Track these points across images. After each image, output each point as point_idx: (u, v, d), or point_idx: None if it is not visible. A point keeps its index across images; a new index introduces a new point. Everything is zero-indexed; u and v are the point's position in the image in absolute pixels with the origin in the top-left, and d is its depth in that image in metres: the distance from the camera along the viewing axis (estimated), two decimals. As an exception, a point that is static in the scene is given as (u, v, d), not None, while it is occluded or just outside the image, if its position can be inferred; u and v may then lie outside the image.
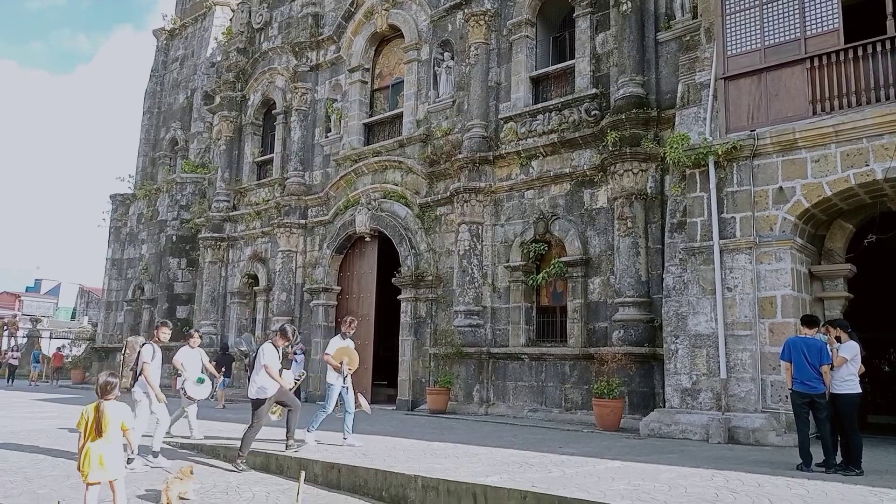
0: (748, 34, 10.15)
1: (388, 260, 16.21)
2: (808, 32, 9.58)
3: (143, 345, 8.43)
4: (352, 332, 9.26)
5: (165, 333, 8.74)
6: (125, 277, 24.81)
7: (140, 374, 8.13)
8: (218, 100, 21.63)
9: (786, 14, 9.81)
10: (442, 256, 15.02)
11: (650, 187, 11.87)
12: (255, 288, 19.48)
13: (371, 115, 17.72)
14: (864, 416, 12.24)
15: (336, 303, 17.24)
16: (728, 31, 10.33)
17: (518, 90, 14.32)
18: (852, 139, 8.99)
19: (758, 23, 10.06)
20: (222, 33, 23.51)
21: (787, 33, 9.77)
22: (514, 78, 14.44)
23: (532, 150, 13.63)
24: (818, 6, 9.52)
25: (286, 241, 18.18)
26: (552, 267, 12.98)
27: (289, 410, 8.29)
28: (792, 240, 9.48)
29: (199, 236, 20.93)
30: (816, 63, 9.43)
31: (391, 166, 16.30)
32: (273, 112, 20.28)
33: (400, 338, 15.27)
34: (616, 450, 8.36)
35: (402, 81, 16.78)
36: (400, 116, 16.59)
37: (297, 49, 19.08)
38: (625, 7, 12.39)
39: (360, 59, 17.72)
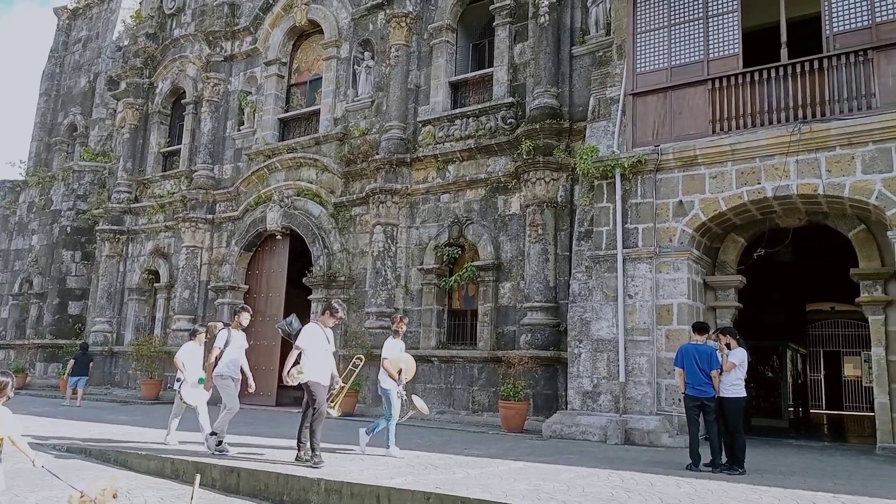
0: (656, 53, 10.64)
1: (300, 259, 15.88)
2: (711, 55, 10.15)
3: (221, 330, 8.18)
4: (403, 329, 8.46)
5: (246, 318, 8.41)
6: (12, 270, 23.05)
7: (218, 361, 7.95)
8: (123, 86, 20.52)
9: (691, 37, 10.36)
10: (355, 257, 14.86)
11: (561, 196, 12.21)
12: (155, 285, 18.58)
13: (287, 111, 17.33)
14: (748, 419, 13.07)
15: (243, 302, 16.68)
16: (638, 49, 10.79)
17: (437, 94, 14.40)
18: (747, 158, 9.58)
19: (666, 43, 10.56)
20: (131, 16, 22.33)
21: (692, 55, 10.31)
22: (433, 82, 14.51)
23: (449, 154, 13.73)
24: (721, 31, 10.10)
25: (191, 236, 17.46)
26: (465, 271, 13.12)
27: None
28: (689, 251, 9.99)
29: (97, 228, 19.75)
30: (717, 85, 10.00)
31: (306, 164, 15.99)
32: (183, 101, 19.44)
33: (309, 339, 14.95)
34: (519, 451, 8.51)
35: (321, 78, 16.51)
36: (317, 113, 16.31)
37: (211, 38, 18.40)
38: (542, 20, 12.71)
39: (278, 52, 17.30)
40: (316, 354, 7.15)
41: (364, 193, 14.54)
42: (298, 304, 16.03)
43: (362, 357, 9.97)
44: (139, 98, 20.11)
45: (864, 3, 9.00)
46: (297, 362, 7.10)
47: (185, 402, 8.75)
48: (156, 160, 19.71)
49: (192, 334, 9.26)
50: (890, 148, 8.59)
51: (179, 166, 18.85)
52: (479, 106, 13.67)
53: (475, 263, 13.07)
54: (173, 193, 18.55)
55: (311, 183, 15.82)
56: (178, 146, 19.21)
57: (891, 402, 9.10)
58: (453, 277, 13.36)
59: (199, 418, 8.67)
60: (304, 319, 15.13)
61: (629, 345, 10.01)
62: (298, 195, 15.90)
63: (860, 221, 9.75)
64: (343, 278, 14.68)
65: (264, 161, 16.68)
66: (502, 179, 13.06)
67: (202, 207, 17.52)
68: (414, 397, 8.61)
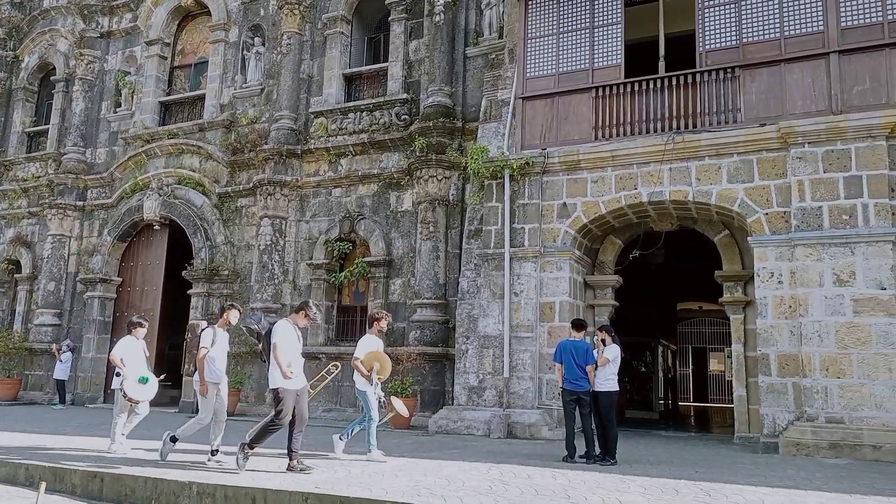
0: (546, 60, 10.96)
1: (181, 251, 15.08)
2: (596, 65, 10.58)
3: (204, 329, 7.29)
4: (384, 327, 7.97)
5: (235, 316, 7.58)
6: None
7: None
8: (-18, 56, 18.64)
9: (578, 45, 10.75)
10: (241, 250, 14.31)
11: (452, 194, 12.33)
12: (16, 275, 17.03)
13: (169, 94, 16.38)
14: (622, 412, 13.79)
15: (115, 295, 15.67)
16: (528, 54, 11.08)
17: (331, 86, 14.12)
18: (626, 164, 10.07)
19: (554, 50, 10.91)
20: (-8, -20, 20.32)
21: (578, 63, 10.70)
22: (326, 73, 14.21)
23: (342, 147, 13.51)
24: (605, 42, 10.55)
25: (59, 224, 16.15)
26: (355, 266, 12.97)
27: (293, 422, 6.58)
28: (571, 251, 10.39)
29: (-53, 212, 17.86)
30: (601, 93, 10.44)
31: (189, 151, 15.21)
32: (52, 79, 17.90)
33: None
34: (404, 447, 8.52)
35: (207, 62, 15.74)
36: (202, 98, 15.54)
37: (86, 12, 17.07)
38: (437, 18, 12.77)
39: (161, 32, 16.32)
40: (290, 357, 6.52)
41: (251, 184, 14.02)
42: (177, 299, 15.28)
43: (338, 365, 9.35)
44: (2, 72, 18.35)
45: (733, 24, 9.70)
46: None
47: (129, 400, 7.77)
48: (20, 140, 18.06)
49: (131, 327, 8.24)
50: (752, 160, 9.31)
51: (47, 148, 17.38)
52: (374, 100, 13.54)
53: (366, 259, 12.95)
54: (39, 177, 17.07)
55: (194, 171, 15.06)
56: (46, 126, 17.71)
57: (748, 395, 9.89)
58: (344, 273, 13.17)
59: (132, 419, 7.93)
60: (183, 317, 14.56)
61: (514, 341, 10.27)
62: (179, 183, 15.10)
63: (725, 227, 10.51)
64: (227, 272, 14.09)
65: (143, 146, 15.70)
66: (395, 175, 13.01)
67: (72, 193, 16.24)
68: (393, 398, 8.11)
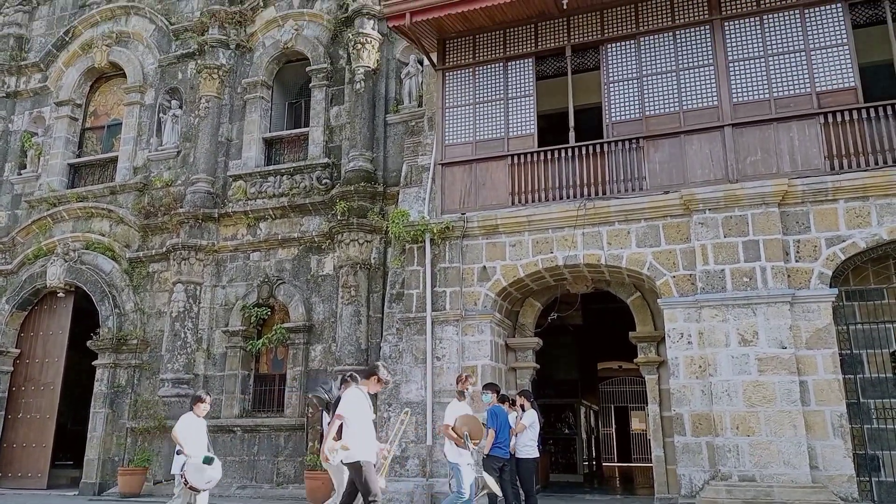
0: (463, 128, 11.27)
1: (86, 320, 14.26)
2: (511, 133, 10.95)
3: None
4: (470, 389, 7.65)
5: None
6: None
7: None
8: None
9: (494, 115, 11.12)
10: (151, 318, 13.67)
11: (374, 258, 12.29)
12: None
13: (79, 156, 15.80)
14: (546, 475, 13.73)
15: (12, 368, 14.54)
16: (447, 122, 11.37)
17: (250, 149, 14.00)
18: (542, 229, 10.34)
19: (472, 119, 11.24)
20: None
21: (494, 132, 11.05)
22: (246, 136, 14.10)
23: (261, 211, 13.32)
24: (519, 112, 10.95)
25: (-50, 292, 15.02)
26: (274, 333, 12.60)
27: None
28: (492, 314, 10.47)
29: None
30: (516, 161, 10.77)
31: (99, 214, 14.60)
32: (-50, 138, 16.98)
33: (92, 410, 13.34)
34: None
35: (121, 123, 15.35)
36: (115, 160, 15.04)
37: (-9, 71, 16.43)
38: (358, 86, 13.00)
39: (72, 93, 15.84)
40: (363, 427, 5.99)
41: (164, 249, 13.53)
42: (81, 372, 14.38)
43: (408, 411, 8.73)
44: None
45: (636, 98, 10.31)
46: (339, 435, 5.94)
47: (191, 489, 7.07)
48: None
49: (192, 402, 7.58)
50: (658, 225, 9.75)
51: (-60, 211, 16.29)
52: (295, 164, 13.49)
53: (285, 325, 12.62)
54: (-71, 242, 15.91)
55: (104, 235, 14.44)
56: (-59, 188, 16.64)
57: (665, 455, 10.07)
58: (261, 340, 12.77)
59: None
60: (87, 390, 13.65)
61: (436, 407, 10.13)
62: (87, 248, 14.40)
63: (637, 289, 10.89)
64: (135, 341, 13.39)
65: (48, 209, 14.97)
66: (316, 239, 12.88)
67: (-34, 259, 15.20)
68: (484, 474, 7.55)
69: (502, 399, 8.51)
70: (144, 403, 12.94)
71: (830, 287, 8.84)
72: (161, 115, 14.92)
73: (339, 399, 6.13)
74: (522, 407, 7.73)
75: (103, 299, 13.74)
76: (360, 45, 13.07)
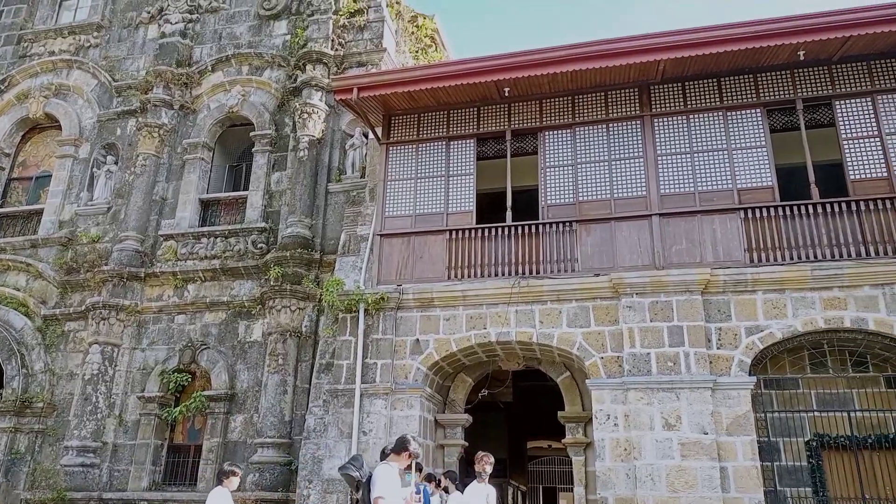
0: (404, 201, 11.42)
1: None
2: (450, 209, 11.14)
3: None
4: (489, 469, 7.36)
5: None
6: None
7: None
8: None
9: (434, 191, 11.33)
10: (62, 380, 12.84)
11: (306, 326, 12.03)
12: None
13: (2, 206, 15.12)
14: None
15: None
16: (388, 194, 11.50)
17: (185, 209, 13.72)
18: (476, 304, 10.41)
19: (412, 193, 11.41)
20: None
21: (434, 206, 11.23)
22: (182, 196, 13.85)
23: (191, 272, 12.94)
24: (459, 189, 11.19)
25: None
26: (192, 400, 12.02)
27: None
28: (423, 389, 10.32)
29: None
30: (454, 236, 10.91)
31: (16, 268, 13.86)
32: None
33: (-17, 478, 12.25)
34: None
35: (50, 176, 14.85)
36: (39, 213, 14.45)
37: (-86, 112, 15.75)
38: (301, 154, 13.07)
39: (2, 142, 15.29)
40: None
41: (84, 307, 12.90)
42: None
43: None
44: None
45: (570, 183, 10.73)
46: None
47: None
48: None
49: (223, 476, 7.50)
50: (588, 306, 9.98)
51: None
52: (230, 227, 13.27)
53: (206, 393, 12.07)
54: None
55: (19, 290, 13.67)
56: None
57: (590, 540, 9.93)
58: (179, 408, 12.13)
59: None
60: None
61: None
62: (0, 303, 13.58)
63: (567, 368, 10.99)
64: (41, 404, 12.50)
65: (-39, 259, 14.13)
66: (246, 304, 12.55)
67: None
68: None
69: (429, 478, 8.33)
70: (44, 472, 11.97)
71: (750, 375, 9.15)
72: (95, 169, 14.54)
73: (369, 477, 5.68)
74: (446, 489, 7.52)
75: (10, 357, 12.87)
76: (306, 115, 13.23)
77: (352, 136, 13.44)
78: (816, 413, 9.52)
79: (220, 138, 14.52)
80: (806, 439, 9.47)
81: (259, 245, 12.92)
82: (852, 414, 9.33)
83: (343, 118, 13.62)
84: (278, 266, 12.13)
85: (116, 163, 14.52)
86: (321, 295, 11.60)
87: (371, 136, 12.28)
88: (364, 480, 5.65)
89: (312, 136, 13.20)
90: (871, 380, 9.69)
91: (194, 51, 15.00)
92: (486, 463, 7.54)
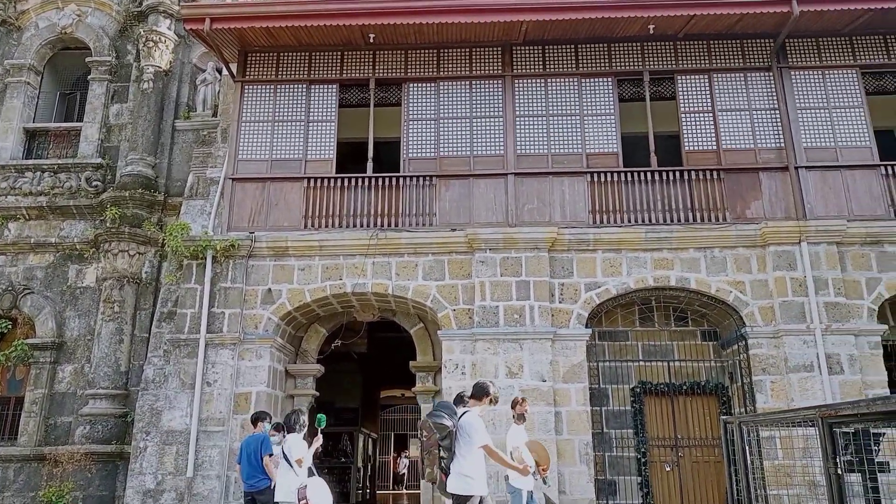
0: (259, 144, 10.88)
1: None
2: (309, 156, 10.79)
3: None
4: (527, 411, 7.57)
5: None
6: None
7: None
8: None
9: (293, 135, 10.89)
10: None
11: (146, 272, 11.28)
12: None
13: None
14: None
15: None
16: (242, 136, 10.91)
17: (6, 139, 12.21)
18: (333, 255, 10.25)
19: (269, 137, 10.90)
20: None
21: (292, 152, 10.81)
22: (4, 125, 12.30)
23: (13, 209, 11.63)
24: (319, 136, 10.85)
25: None
26: (13, 349, 10.95)
27: None
28: (273, 339, 10.09)
29: None
30: (312, 184, 10.61)
31: None
32: None
33: None
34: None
35: None
36: None
37: None
38: (146, 86, 12.01)
39: None
40: (481, 456, 5.49)
41: None
42: None
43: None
44: None
45: (432, 138, 10.75)
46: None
47: None
48: None
49: (288, 426, 7.25)
50: (444, 260, 10.17)
51: None
52: (61, 161, 12.01)
53: (30, 341, 11.04)
54: None
55: None
56: None
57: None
58: (-3, 357, 11.01)
59: None
60: None
61: (202, 436, 9.44)
62: None
63: (420, 320, 11.20)
64: None
65: None
66: (78, 247, 11.51)
67: None
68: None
69: (277, 427, 8.24)
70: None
71: (586, 327, 9.84)
72: None
73: (458, 425, 5.47)
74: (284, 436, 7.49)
75: None
76: (151, 44, 12.13)
77: (204, 71, 12.54)
78: (642, 362, 10.47)
79: (51, 62, 12.99)
80: (631, 386, 10.40)
81: (94, 182, 11.83)
82: (671, 363, 10.38)
83: (195, 50, 12.65)
84: (116, 206, 11.21)
85: (-83, 78, 12.55)
86: (164, 239, 10.88)
87: (225, 72, 11.52)
88: (453, 429, 5.48)
89: (159, 67, 12.16)
90: (689, 333, 10.78)
91: (18, -43, 13.16)
92: (525, 406, 7.70)
